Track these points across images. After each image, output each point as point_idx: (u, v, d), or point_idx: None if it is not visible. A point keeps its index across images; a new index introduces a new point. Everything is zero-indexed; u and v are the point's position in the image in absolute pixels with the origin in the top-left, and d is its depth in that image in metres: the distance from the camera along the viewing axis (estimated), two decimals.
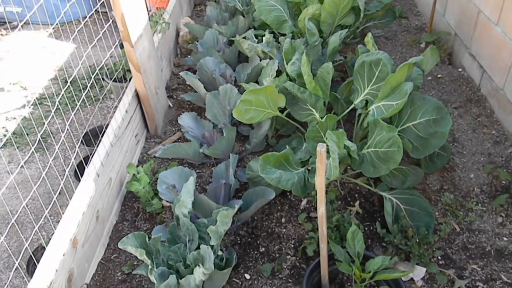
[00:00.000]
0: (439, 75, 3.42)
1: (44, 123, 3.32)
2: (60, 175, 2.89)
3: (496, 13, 2.88)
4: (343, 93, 2.69)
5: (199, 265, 1.76)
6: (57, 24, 4.64)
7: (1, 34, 4.95)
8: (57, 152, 3.08)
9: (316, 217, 2.19)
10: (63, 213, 2.04)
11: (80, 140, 2.87)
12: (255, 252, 2.26)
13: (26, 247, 2.17)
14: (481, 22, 3.11)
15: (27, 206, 2.76)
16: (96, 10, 2.88)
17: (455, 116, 3.00)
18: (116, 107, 2.74)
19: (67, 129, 2.32)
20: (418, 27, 4.18)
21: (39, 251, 2.27)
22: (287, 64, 2.62)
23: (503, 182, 2.49)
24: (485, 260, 2.13)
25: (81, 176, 2.25)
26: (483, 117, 2.97)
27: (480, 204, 2.40)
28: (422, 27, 4.16)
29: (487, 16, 3.01)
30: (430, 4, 3.85)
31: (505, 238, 2.22)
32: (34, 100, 3.75)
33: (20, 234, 2.55)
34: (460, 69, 3.46)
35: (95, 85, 3.74)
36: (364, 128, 2.37)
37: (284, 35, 3.32)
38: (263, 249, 2.27)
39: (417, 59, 2.20)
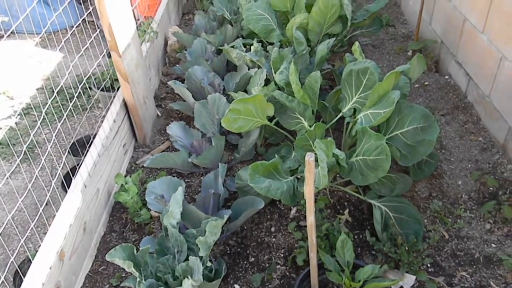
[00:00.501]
0: (426, 83, 3.45)
1: (30, 133, 3.29)
2: (46, 186, 2.85)
3: (482, 21, 2.92)
4: (331, 102, 2.70)
5: (188, 277, 1.74)
6: (44, 33, 4.61)
7: None
8: (43, 162, 3.04)
9: (306, 226, 2.18)
10: (50, 225, 2.01)
11: (67, 151, 2.84)
12: (245, 262, 2.24)
13: (12, 260, 2.13)
14: (467, 30, 3.15)
15: (13, 218, 2.72)
16: (83, 19, 2.87)
17: (443, 123, 3.03)
18: (104, 116, 2.72)
19: (54, 139, 2.30)
20: (405, 35, 4.22)
21: (26, 263, 2.23)
22: (275, 73, 2.63)
23: (491, 188, 2.50)
24: (474, 267, 2.14)
25: (68, 187, 2.22)
26: (470, 124, 2.99)
27: (468, 211, 2.42)
28: (409, 35, 4.20)
29: (473, 24, 3.05)
30: (416, 13, 3.89)
31: (493, 245, 2.23)
32: (21, 110, 3.71)
33: (5, 247, 2.51)
34: (446, 77, 3.49)
35: (83, 94, 3.71)
36: (353, 136, 2.38)
37: (272, 44, 3.33)
38: (253, 259, 2.25)
39: (404, 68, 2.22)
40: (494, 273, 2.11)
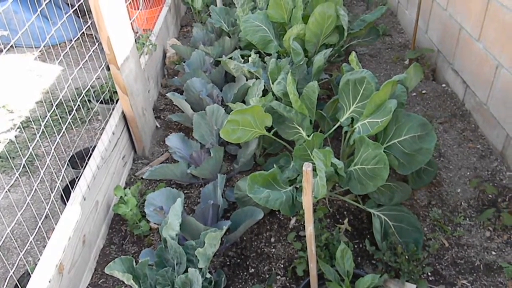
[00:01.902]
0: (423, 91, 3.47)
1: (30, 147, 3.29)
2: (46, 199, 2.85)
3: (477, 29, 2.94)
4: (329, 111, 2.71)
5: None
6: (43, 47, 4.64)
7: None
8: (43, 176, 3.04)
9: (306, 236, 2.18)
10: (49, 238, 2.01)
11: (66, 163, 2.85)
12: (245, 273, 2.23)
13: (12, 274, 2.13)
14: (463, 38, 3.17)
15: (12, 232, 2.71)
16: (82, 32, 2.89)
17: (440, 131, 3.04)
18: (103, 129, 2.73)
19: (53, 152, 2.30)
20: (401, 44, 4.25)
21: (25, 277, 2.22)
22: (273, 83, 2.64)
23: (490, 196, 2.50)
24: (475, 275, 2.14)
25: (68, 200, 2.22)
26: (468, 131, 3.00)
27: (468, 219, 2.41)
28: (405, 44, 4.23)
29: (469, 32, 3.07)
30: (412, 22, 3.92)
31: (493, 252, 2.23)
32: (20, 123, 3.72)
33: (4, 261, 2.50)
34: (444, 85, 3.51)
35: (82, 107, 3.73)
36: (351, 146, 2.39)
37: (269, 55, 3.35)
38: (253, 270, 2.25)
39: (401, 77, 2.24)
40: (494, 280, 2.10)
